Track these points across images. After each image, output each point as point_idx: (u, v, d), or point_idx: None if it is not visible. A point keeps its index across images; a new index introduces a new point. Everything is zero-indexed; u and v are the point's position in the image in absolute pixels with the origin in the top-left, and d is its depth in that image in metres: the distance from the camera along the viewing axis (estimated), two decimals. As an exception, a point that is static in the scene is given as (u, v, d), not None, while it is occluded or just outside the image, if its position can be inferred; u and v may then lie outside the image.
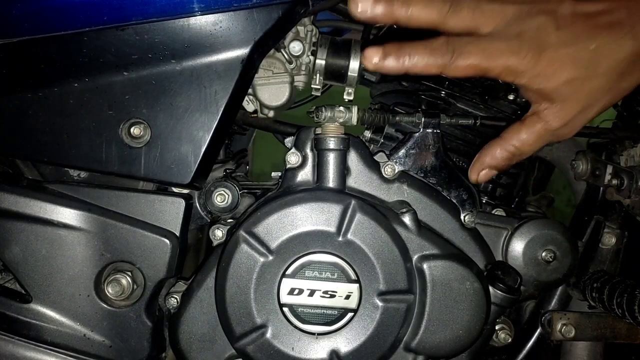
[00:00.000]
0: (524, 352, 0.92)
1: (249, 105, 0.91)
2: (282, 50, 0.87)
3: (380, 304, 0.73)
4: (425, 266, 0.74)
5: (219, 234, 0.80)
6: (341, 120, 0.78)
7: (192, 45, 0.72)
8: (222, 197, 0.82)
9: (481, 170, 0.71)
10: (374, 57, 0.61)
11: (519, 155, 0.68)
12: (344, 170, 0.77)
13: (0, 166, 0.86)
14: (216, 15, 0.71)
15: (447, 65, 0.61)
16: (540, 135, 0.66)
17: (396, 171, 0.79)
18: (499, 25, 0.60)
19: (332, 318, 0.74)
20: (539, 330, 0.91)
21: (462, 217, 0.80)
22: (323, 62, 0.89)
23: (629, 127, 0.96)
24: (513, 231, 0.81)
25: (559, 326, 0.88)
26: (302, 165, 0.78)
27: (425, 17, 0.60)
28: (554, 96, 0.63)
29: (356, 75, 0.90)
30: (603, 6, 0.60)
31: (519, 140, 0.67)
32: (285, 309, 0.73)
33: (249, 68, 0.75)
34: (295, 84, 0.91)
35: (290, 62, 0.88)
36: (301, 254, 0.73)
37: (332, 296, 0.73)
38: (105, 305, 0.77)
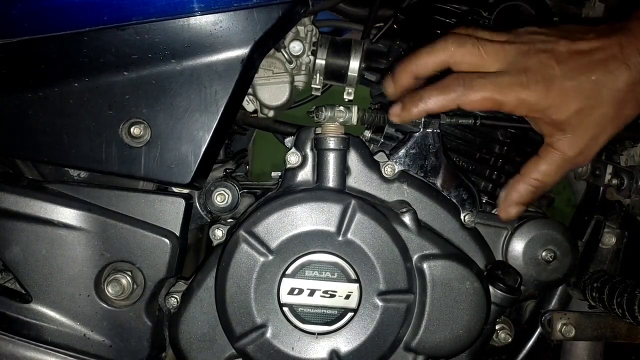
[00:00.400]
0: (524, 352, 0.92)
1: (249, 105, 0.91)
2: (282, 50, 0.87)
3: (380, 303, 0.73)
4: (425, 266, 0.74)
5: (219, 233, 0.80)
6: (341, 120, 0.78)
7: (192, 45, 0.72)
8: (222, 197, 0.82)
9: (510, 208, 0.74)
10: (396, 112, 0.69)
11: (542, 187, 0.71)
12: (344, 170, 0.77)
13: (0, 166, 0.86)
14: (216, 15, 0.71)
15: (461, 99, 0.65)
16: (558, 165, 0.68)
17: (396, 171, 0.79)
18: (503, 64, 0.65)
19: (332, 318, 0.74)
20: (539, 330, 0.91)
21: (462, 217, 0.80)
22: (323, 62, 0.89)
23: (629, 127, 0.96)
24: (513, 231, 0.81)
25: (559, 326, 0.88)
26: (302, 165, 0.78)
27: (432, 60, 0.67)
28: (566, 126, 0.65)
29: (356, 75, 0.91)
30: (596, 44, 0.64)
31: (540, 172, 0.70)
32: (285, 309, 0.73)
33: (249, 68, 0.75)
34: (295, 83, 0.91)
35: (290, 62, 0.88)
36: (301, 254, 0.73)
37: (332, 296, 0.73)
38: (105, 305, 0.77)
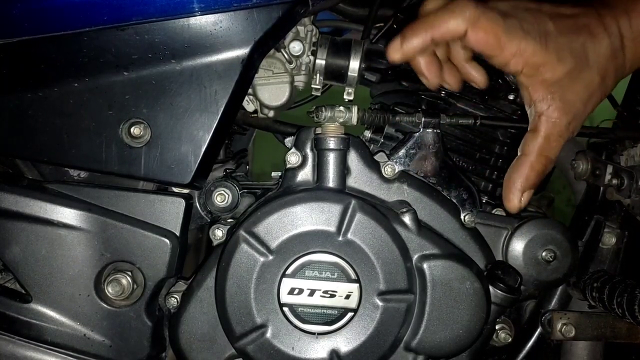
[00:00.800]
0: (524, 351, 0.92)
1: (249, 105, 0.91)
2: (282, 50, 0.87)
3: (380, 303, 0.73)
4: (425, 266, 0.74)
5: (219, 233, 0.80)
6: (341, 120, 0.78)
7: (192, 45, 0.72)
8: (222, 197, 0.82)
9: (516, 196, 0.71)
10: (396, 46, 0.65)
11: (548, 163, 0.69)
12: (344, 170, 0.77)
13: (0, 166, 0.86)
14: (216, 15, 0.71)
15: (468, 27, 0.62)
16: (555, 135, 0.67)
17: (396, 171, 0.79)
18: (504, 12, 0.64)
19: (332, 318, 0.74)
20: (539, 330, 0.91)
21: (462, 217, 0.80)
22: (323, 62, 0.89)
23: (629, 127, 0.96)
24: (513, 231, 0.81)
25: (559, 326, 0.88)
26: (302, 165, 0.78)
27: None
28: (557, 89, 0.65)
29: (356, 75, 0.90)
30: (577, 10, 0.66)
31: (540, 148, 0.68)
32: (286, 309, 0.73)
33: (249, 68, 0.75)
34: (295, 84, 0.91)
35: (290, 62, 0.88)
36: (301, 254, 0.73)
37: (332, 296, 0.73)
38: (105, 305, 0.77)
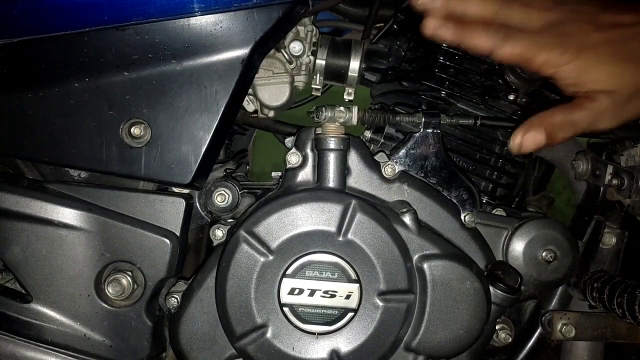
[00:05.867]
0: (524, 352, 0.92)
1: (249, 105, 0.91)
2: (283, 51, 0.87)
3: (380, 303, 0.73)
4: (425, 266, 0.74)
5: (219, 233, 0.80)
6: (341, 120, 0.78)
7: (193, 46, 0.72)
8: (222, 197, 0.82)
9: (528, 133, 0.68)
10: (433, 23, 0.67)
11: (569, 129, 0.68)
12: (344, 170, 0.77)
13: (0, 166, 0.86)
14: (216, 15, 0.71)
15: (497, 47, 0.66)
16: (590, 114, 0.67)
17: (396, 171, 0.79)
18: (545, 25, 0.66)
19: (333, 318, 0.74)
20: (539, 330, 0.91)
21: (462, 217, 0.80)
22: (323, 62, 0.90)
23: (629, 127, 0.96)
24: (513, 231, 0.81)
25: (559, 326, 0.88)
26: (303, 165, 0.78)
27: (479, 11, 0.67)
28: (595, 87, 0.66)
29: (356, 75, 0.91)
30: (636, 17, 0.66)
31: (580, 114, 0.68)
32: (286, 309, 0.73)
33: (249, 68, 0.75)
34: (296, 84, 0.91)
35: (290, 62, 0.88)
36: (301, 254, 0.73)
37: (333, 296, 0.73)
38: (105, 305, 0.77)
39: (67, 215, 0.76)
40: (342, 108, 0.78)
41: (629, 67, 0.65)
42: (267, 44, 0.76)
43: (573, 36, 0.65)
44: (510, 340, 0.84)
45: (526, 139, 0.68)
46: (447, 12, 0.68)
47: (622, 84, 0.66)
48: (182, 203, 0.79)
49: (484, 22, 0.67)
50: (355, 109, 0.79)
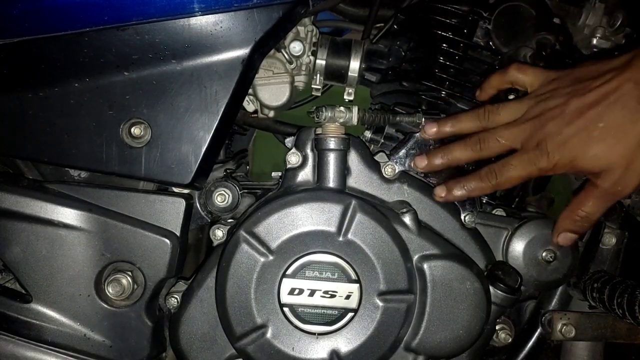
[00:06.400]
0: (524, 352, 0.92)
1: (249, 105, 0.91)
2: (283, 51, 0.87)
3: (380, 304, 0.73)
4: (425, 266, 0.74)
5: (219, 233, 0.80)
6: (341, 120, 0.78)
7: (193, 46, 0.72)
8: (222, 197, 0.82)
9: (562, 235, 0.77)
10: (442, 193, 0.77)
11: (588, 218, 0.74)
12: (344, 170, 0.77)
13: (0, 166, 0.86)
14: (217, 15, 0.71)
15: (497, 185, 0.74)
16: (598, 199, 0.72)
17: (396, 171, 0.79)
18: (521, 143, 0.72)
19: (333, 318, 0.74)
20: (539, 330, 0.91)
21: (462, 217, 0.80)
22: (323, 62, 0.89)
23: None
24: (513, 231, 0.81)
25: (559, 326, 0.88)
26: (303, 165, 0.78)
27: (464, 156, 0.76)
28: (594, 170, 0.70)
29: (356, 75, 0.90)
30: (606, 88, 0.67)
31: (584, 206, 0.74)
32: (286, 309, 0.73)
33: (249, 68, 0.75)
34: (296, 84, 0.91)
35: (290, 62, 0.88)
36: (301, 254, 0.73)
37: (333, 296, 0.73)
38: (105, 305, 0.77)
39: (67, 215, 0.76)
40: (342, 108, 0.78)
41: (609, 143, 0.67)
42: (267, 44, 0.76)
43: (548, 141, 0.69)
44: (510, 340, 0.84)
45: (563, 240, 0.77)
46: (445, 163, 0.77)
47: (613, 159, 0.67)
48: (182, 203, 0.79)
49: (474, 175, 0.76)
50: (355, 109, 0.79)
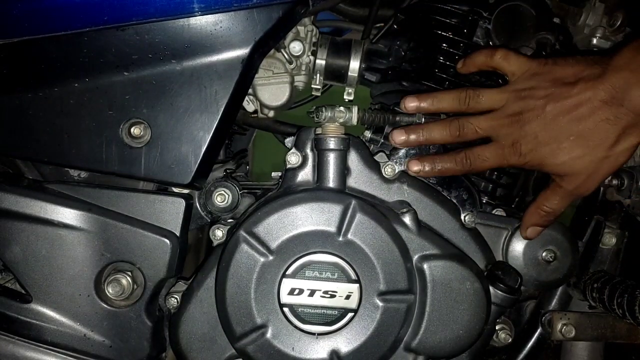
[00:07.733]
0: (524, 352, 0.92)
1: (249, 105, 0.91)
2: (283, 51, 0.87)
3: (380, 304, 0.73)
4: (425, 266, 0.74)
5: (219, 234, 0.80)
6: (341, 120, 0.78)
7: (193, 46, 0.72)
8: (222, 197, 0.82)
9: (529, 230, 0.80)
10: (415, 167, 0.78)
11: (553, 213, 0.78)
12: (344, 170, 0.77)
13: (0, 166, 0.86)
14: (216, 15, 0.71)
15: (468, 171, 0.77)
16: (561, 197, 0.77)
17: (396, 171, 0.79)
18: (500, 135, 0.75)
19: (333, 318, 0.74)
20: (539, 330, 0.91)
21: (462, 217, 0.80)
22: (323, 62, 0.89)
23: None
24: (513, 231, 0.81)
25: (559, 326, 0.88)
26: (303, 165, 0.78)
27: (441, 137, 0.77)
28: (560, 172, 0.74)
29: (356, 75, 0.91)
30: (583, 96, 0.70)
31: (548, 202, 0.78)
32: (286, 309, 0.73)
33: (249, 68, 0.75)
34: (296, 84, 0.91)
35: (290, 62, 0.88)
36: (301, 254, 0.73)
37: (333, 296, 0.73)
38: (105, 305, 0.77)
39: (67, 215, 0.76)
40: (342, 108, 0.78)
41: (577, 154, 0.72)
42: (267, 43, 0.76)
43: (522, 142, 0.73)
44: (510, 340, 0.84)
45: (531, 233, 0.80)
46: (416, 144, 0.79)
47: (577, 168, 0.73)
48: (182, 203, 0.79)
49: (450, 156, 0.78)
50: (355, 109, 0.79)
